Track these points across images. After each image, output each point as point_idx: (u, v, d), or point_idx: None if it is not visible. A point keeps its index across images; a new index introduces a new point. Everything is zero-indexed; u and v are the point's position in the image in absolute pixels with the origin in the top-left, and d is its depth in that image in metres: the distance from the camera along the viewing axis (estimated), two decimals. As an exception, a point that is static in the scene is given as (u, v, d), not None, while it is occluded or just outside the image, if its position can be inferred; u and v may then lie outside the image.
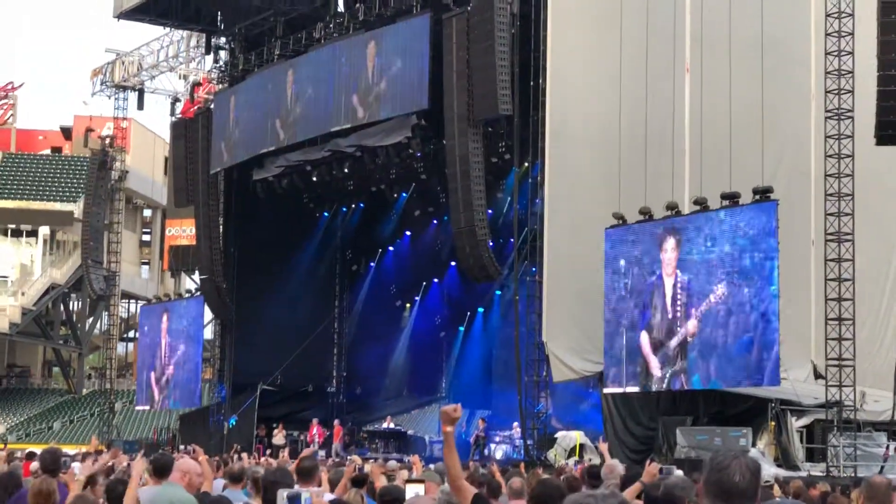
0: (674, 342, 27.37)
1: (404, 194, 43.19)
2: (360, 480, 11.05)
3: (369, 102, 35.40)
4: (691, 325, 26.89)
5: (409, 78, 34.01)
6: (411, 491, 6.98)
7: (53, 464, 9.79)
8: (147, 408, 48.03)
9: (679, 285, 27.32)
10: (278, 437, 39.41)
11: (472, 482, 11.78)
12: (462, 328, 47.33)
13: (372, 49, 35.44)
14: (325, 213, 44.93)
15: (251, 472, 11.33)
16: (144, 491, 8.74)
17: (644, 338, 28.08)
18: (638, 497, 8.55)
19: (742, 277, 25.64)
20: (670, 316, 27.52)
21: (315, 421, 40.07)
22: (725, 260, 26.06)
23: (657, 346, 27.79)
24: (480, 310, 46.00)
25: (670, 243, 27.46)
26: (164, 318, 44.77)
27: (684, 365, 26.99)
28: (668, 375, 27.55)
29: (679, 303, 27.30)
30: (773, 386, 25.50)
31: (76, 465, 13.50)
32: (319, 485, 9.52)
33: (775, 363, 24.69)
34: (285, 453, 29.76)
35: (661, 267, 27.75)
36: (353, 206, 44.84)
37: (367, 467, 15.58)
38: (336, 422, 40.46)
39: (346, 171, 39.79)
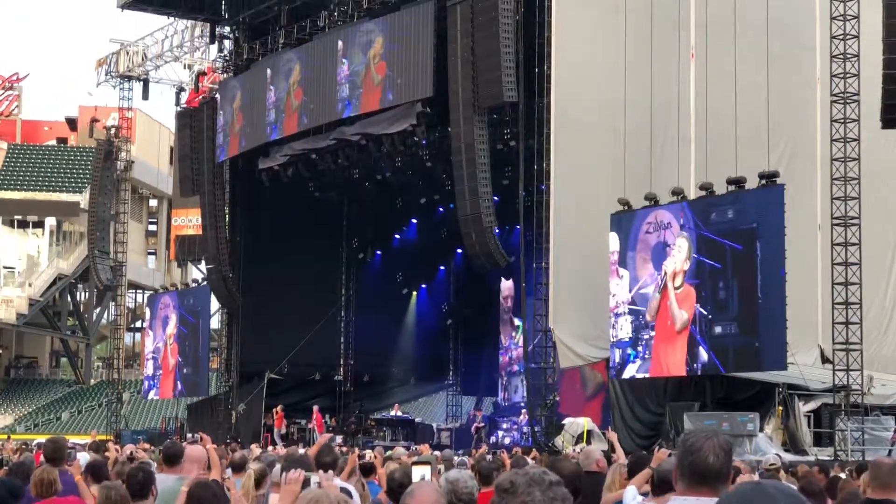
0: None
1: (410, 179, 42.99)
2: (367, 468, 11.09)
3: (371, 91, 35.35)
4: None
5: (413, 65, 33.94)
6: (417, 473, 6.94)
7: (54, 453, 9.78)
8: (155, 397, 48.02)
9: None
10: (279, 427, 39.14)
11: (475, 468, 11.83)
12: (466, 312, 47.35)
13: (373, 37, 35.38)
14: (331, 202, 44.79)
15: (266, 459, 11.36)
16: (160, 478, 8.76)
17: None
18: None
19: (747, 261, 25.60)
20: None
21: (316, 408, 39.95)
22: (728, 244, 26.04)
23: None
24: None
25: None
26: (171, 308, 44.79)
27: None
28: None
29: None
30: (779, 371, 25.51)
31: (82, 456, 13.54)
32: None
33: (782, 347, 24.67)
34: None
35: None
36: (359, 194, 44.73)
37: (368, 455, 15.74)
38: (315, 408, 39.99)
39: (351, 159, 39.73)
